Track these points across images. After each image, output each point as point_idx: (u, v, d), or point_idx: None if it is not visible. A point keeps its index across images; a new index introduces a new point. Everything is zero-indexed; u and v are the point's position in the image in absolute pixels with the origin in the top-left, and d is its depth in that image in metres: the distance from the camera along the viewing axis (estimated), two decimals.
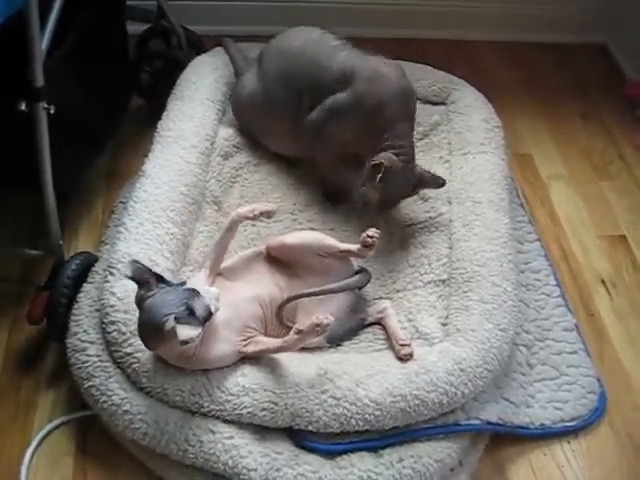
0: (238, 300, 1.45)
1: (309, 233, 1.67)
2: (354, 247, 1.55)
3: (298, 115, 1.84)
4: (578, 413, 1.63)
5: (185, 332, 1.23)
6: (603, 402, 1.67)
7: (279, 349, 1.42)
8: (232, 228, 1.50)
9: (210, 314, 1.31)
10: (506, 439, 1.58)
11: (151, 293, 1.31)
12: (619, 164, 2.33)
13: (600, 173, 2.29)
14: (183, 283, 1.36)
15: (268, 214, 1.52)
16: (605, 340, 1.82)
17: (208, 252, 1.52)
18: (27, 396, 1.60)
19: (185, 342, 1.24)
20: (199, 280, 1.44)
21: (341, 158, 1.85)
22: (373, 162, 1.63)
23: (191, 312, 1.27)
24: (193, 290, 1.32)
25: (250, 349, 1.42)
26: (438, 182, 1.75)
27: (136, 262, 1.35)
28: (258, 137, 1.98)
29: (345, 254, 1.57)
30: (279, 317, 1.51)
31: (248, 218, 1.51)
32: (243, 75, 2.01)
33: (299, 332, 1.36)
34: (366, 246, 1.52)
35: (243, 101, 1.97)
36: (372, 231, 1.51)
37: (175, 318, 1.25)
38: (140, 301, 1.32)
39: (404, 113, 1.72)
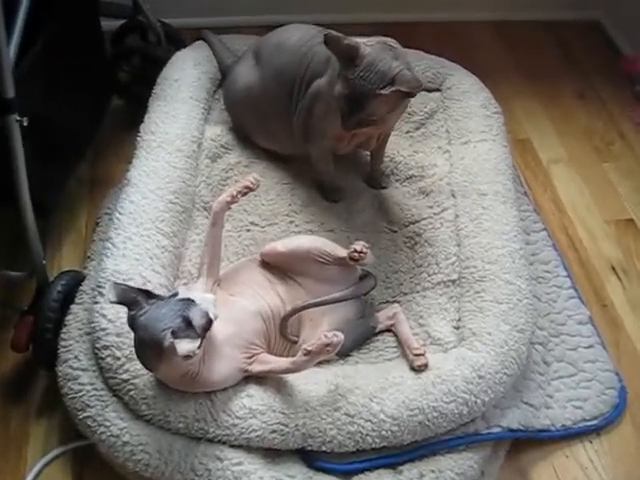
0: (240, 315, 1.36)
1: (305, 238, 1.55)
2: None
3: (292, 111, 1.74)
4: (599, 411, 1.57)
5: (184, 346, 1.14)
6: (623, 397, 1.61)
7: (287, 371, 1.33)
8: (216, 222, 1.40)
9: (210, 321, 1.21)
10: (527, 443, 1.52)
11: (143, 311, 1.22)
12: (621, 144, 2.25)
13: (602, 154, 2.22)
14: (175, 294, 1.25)
15: (250, 188, 1.40)
16: (621, 331, 1.76)
17: (201, 256, 1.41)
18: (18, 427, 1.50)
19: (187, 357, 1.15)
20: (194, 289, 1.33)
21: (335, 152, 1.75)
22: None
23: (188, 323, 1.17)
24: (187, 300, 1.22)
25: (256, 369, 1.33)
26: (414, 84, 1.48)
27: (117, 284, 1.25)
28: (251, 133, 1.87)
29: (345, 261, 1.46)
30: (283, 331, 1.42)
31: (230, 203, 1.40)
32: (235, 68, 1.89)
33: (308, 353, 1.27)
34: (354, 260, 1.42)
35: (237, 95, 1.86)
36: (360, 245, 1.42)
37: (172, 332, 1.15)
38: (133, 321, 1.22)
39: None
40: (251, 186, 1.40)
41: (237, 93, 1.85)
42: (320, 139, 1.71)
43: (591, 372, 1.62)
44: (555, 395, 1.56)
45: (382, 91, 1.46)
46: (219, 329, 1.27)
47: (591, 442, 1.55)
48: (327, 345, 1.25)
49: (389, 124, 1.69)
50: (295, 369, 1.31)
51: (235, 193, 1.39)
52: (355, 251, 1.41)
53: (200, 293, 1.26)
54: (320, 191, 1.80)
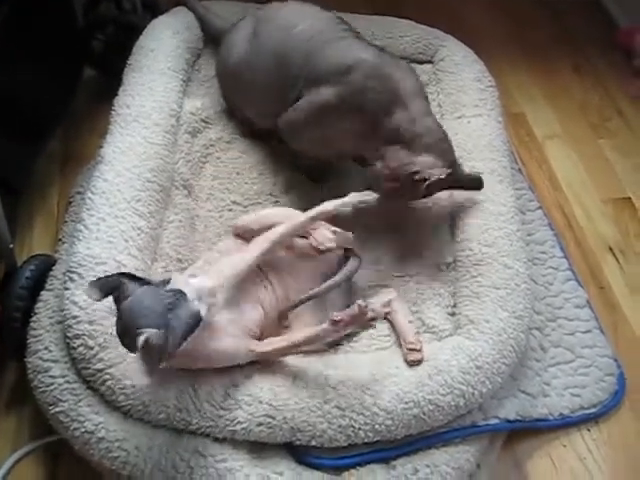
0: (241, 305, 1.27)
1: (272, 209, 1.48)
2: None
3: (288, 100, 1.61)
4: (597, 399, 1.51)
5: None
6: (622, 384, 1.55)
7: (306, 342, 1.22)
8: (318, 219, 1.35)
9: (198, 322, 1.11)
10: (523, 432, 1.46)
11: (127, 293, 1.10)
12: (617, 120, 2.17)
13: (598, 130, 2.14)
14: (167, 281, 1.14)
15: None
16: (618, 314, 1.70)
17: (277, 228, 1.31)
18: None
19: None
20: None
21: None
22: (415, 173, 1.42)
23: (169, 328, 1.07)
24: (178, 292, 1.11)
25: (265, 348, 1.24)
26: (475, 184, 1.50)
27: (95, 281, 1.12)
28: (238, 104, 1.76)
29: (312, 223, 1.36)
30: (282, 323, 1.33)
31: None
32: (230, 35, 1.75)
33: (335, 323, 1.16)
34: (319, 251, 1.35)
35: (229, 65, 1.73)
36: (322, 237, 1.35)
37: (146, 339, 1.04)
38: (116, 303, 1.12)
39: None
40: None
41: (230, 63, 1.73)
42: (319, 147, 1.60)
43: (589, 358, 1.56)
44: (552, 382, 1.50)
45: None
46: (221, 314, 1.20)
47: (589, 430, 1.50)
48: (360, 315, 1.15)
49: None
50: (316, 339, 1.21)
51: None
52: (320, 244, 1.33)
53: (195, 280, 1.15)
54: (305, 171, 1.70)
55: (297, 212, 1.41)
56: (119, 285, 1.11)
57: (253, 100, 1.72)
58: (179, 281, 1.14)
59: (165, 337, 1.06)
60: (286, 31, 1.61)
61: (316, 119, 1.54)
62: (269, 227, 1.33)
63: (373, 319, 1.18)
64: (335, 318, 1.16)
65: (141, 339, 1.04)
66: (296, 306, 1.32)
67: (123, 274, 1.14)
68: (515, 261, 1.45)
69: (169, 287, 1.12)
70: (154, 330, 1.05)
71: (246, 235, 1.38)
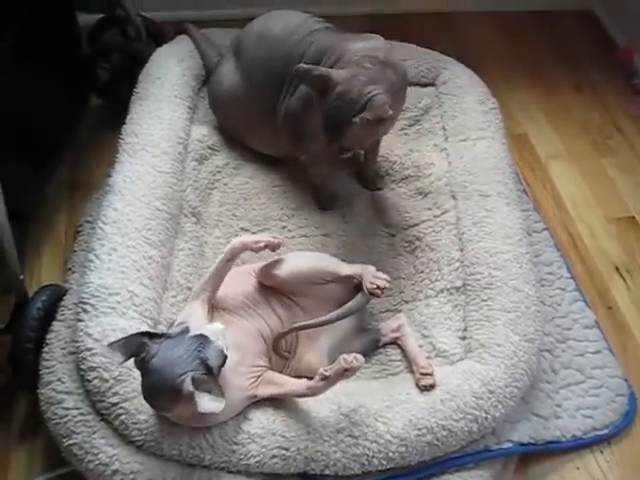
0: (242, 338, 1.27)
1: (306, 260, 1.43)
2: (357, 271, 1.37)
3: (280, 109, 1.65)
4: (609, 419, 1.51)
5: (208, 405, 1.07)
6: (633, 404, 1.55)
7: (301, 395, 1.25)
8: (232, 259, 1.31)
9: (225, 358, 1.15)
10: (536, 455, 1.45)
11: (153, 352, 1.13)
12: (618, 138, 2.19)
13: (600, 149, 2.15)
14: (186, 330, 1.17)
15: (273, 247, 1.34)
16: (627, 334, 1.70)
17: (203, 282, 1.31)
18: None
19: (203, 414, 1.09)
20: (199, 318, 1.24)
21: (327, 157, 1.65)
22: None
23: (206, 366, 1.11)
24: (201, 336, 1.15)
25: (265, 392, 1.26)
26: (382, 112, 1.39)
27: (114, 343, 1.14)
28: (239, 135, 1.78)
29: (348, 279, 1.38)
30: (276, 348, 1.34)
31: (251, 249, 1.32)
32: (218, 66, 1.79)
33: (325, 378, 1.19)
34: (373, 295, 1.34)
35: (221, 96, 1.76)
36: (382, 280, 1.33)
37: (192, 379, 1.08)
38: (143, 363, 1.13)
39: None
40: (276, 246, 1.34)
41: (222, 94, 1.75)
42: (311, 143, 1.62)
43: (600, 379, 1.56)
44: (564, 404, 1.50)
45: (354, 119, 1.39)
46: None
47: (602, 452, 1.49)
48: (346, 370, 1.18)
49: (377, 138, 1.63)
50: (310, 394, 1.23)
51: (262, 245, 1.32)
52: (377, 287, 1.32)
53: (210, 325, 1.19)
54: (314, 198, 1.72)
55: (323, 258, 1.45)
56: (142, 346, 1.13)
57: (249, 127, 1.74)
58: (197, 328, 1.17)
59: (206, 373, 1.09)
60: (264, 37, 1.66)
61: (308, 113, 1.56)
62: (297, 276, 1.36)
63: (359, 367, 1.19)
64: (325, 373, 1.19)
65: (187, 381, 1.07)
66: (286, 334, 1.33)
67: (141, 333, 1.16)
68: (524, 284, 1.46)
69: (189, 335, 1.15)
70: (196, 371, 1.09)
71: (274, 283, 1.37)
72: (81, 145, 1.92)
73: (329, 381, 1.19)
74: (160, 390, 1.12)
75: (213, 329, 1.16)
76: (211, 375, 1.11)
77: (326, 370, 1.19)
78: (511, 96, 2.25)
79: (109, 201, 1.50)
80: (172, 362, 1.10)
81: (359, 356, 1.19)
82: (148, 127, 1.66)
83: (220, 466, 1.24)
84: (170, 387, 1.09)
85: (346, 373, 1.18)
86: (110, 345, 1.13)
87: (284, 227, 1.66)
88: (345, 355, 1.18)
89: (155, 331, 1.19)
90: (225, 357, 1.14)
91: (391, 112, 1.39)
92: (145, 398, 1.15)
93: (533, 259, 1.63)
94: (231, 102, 1.73)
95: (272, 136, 1.69)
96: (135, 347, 1.12)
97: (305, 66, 1.44)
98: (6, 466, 1.39)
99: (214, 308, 1.30)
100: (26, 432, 1.43)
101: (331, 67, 1.48)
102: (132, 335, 1.15)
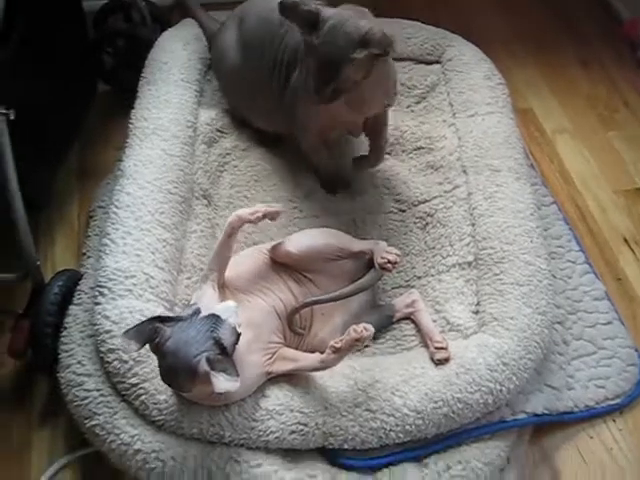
0: (256, 316, 1.29)
1: (318, 235, 1.44)
2: (369, 247, 1.38)
3: (275, 89, 1.65)
4: (621, 389, 1.53)
5: (223, 384, 1.08)
6: None
7: (314, 369, 1.27)
8: (232, 233, 1.31)
9: (238, 336, 1.16)
10: (550, 426, 1.47)
11: (167, 336, 1.14)
12: (625, 112, 2.18)
13: (606, 123, 2.15)
14: (197, 311, 1.18)
15: (272, 216, 1.33)
16: (637, 305, 1.71)
17: (210, 262, 1.32)
18: (20, 436, 1.43)
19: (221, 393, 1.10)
20: (210, 299, 1.26)
21: (324, 140, 1.66)
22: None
23: (220, 345, 1.12)
24: (213, 316, 1.16)
25: (280, 368, 1.27)
26: (386, 41, 1.34)
27: (127, 332, 1.14)
28: (243, 112, 1.78)
29: (360, 255, 1.39)
30: (290, 325, 1.35)
31: (249, 221, 1.32)
32: (218, 37, 1.78)
33: (337, 350, 1.20)
34: (384, 269, 1.34)
35: (224, 73, 1.76)
36: (393, 255, 1.33)
37: (207, 359, 1.09)
38: (158, 347, 1.15)
39: None
40: (275, 214, 1.33)
41: (224, 70, 1.76)
42: (306, 133, 1.63)
43: (611, 349, 1.57)
44: (576, 375, 1.52)
45: (354, 55, 1.33)
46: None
47: (614, 421, 1.51)
48: (357, 340, 1.19)
49: (373, 104, 1.55)
50: (324, 367, 1.24)
51: (260, 215, 1.31)
52: (388, 262, 1.32)
53: (221, 304, 1.20)
54: (320, 183, 1.71)
55: (335, 233, 1.45)
56: (156, 331, 1.14)
57: (249, 101, 1.73)
58: (208, 308, 1.18)
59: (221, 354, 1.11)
60: (264, 16, 1.63)
61: (299, 106, 1.55)
62: (310, 252, 1.37)
63: (369, 336, 1.21)
64: (336, 345, 1.20)
65: (202, 361, 1.09)
66: (299, 310, 1.34)
67: (153, 318, 1.17)
68: (536, 257, 1.47)
69: (201, 315, 1.16)
70: (210, 352, 1.10)
71: (287, 260, 1.38)
72: (89, 131, 1.92)
73: (341, 352, 1.21)
74: (177, 372, 1.13)
75: (224, 307, 1.17)
76: (225, 354, 1.12)
77: (337, 342, 1.20)
78: (516, 72, 2.24)
79: (121, 185, 1.51)
80: (186, 343, 1.12)
81: (368, 326, 1.20)
82: (157, 111, 1.66)
83: (240, 443, 1.26)
84: (186, 368, 1.11)
85: (357, 343, 1.19)
86: (124, 334, 1.14)
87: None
88: (355, 325, 1.19)
89: (167, 315, 1.20)
90: (238, 334, 1.15)
91: (393, 42, 1.33)
92: (164, 380, 1.17)
93: (543, 233, 1.65)
94: (230, 73, 1.73)
95: (268, 111, 1.69)
96: (148, 333, 1.14)
97: (291, 0, 1.36)
98: (29, 448, 1.41)
99: (227, 287, 1.31)
100: (47, 415, 1.45)
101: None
102: (144, 321, 1.16)
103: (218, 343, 1.12)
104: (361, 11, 1.42)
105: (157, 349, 1.14)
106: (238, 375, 1.11)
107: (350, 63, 1.35)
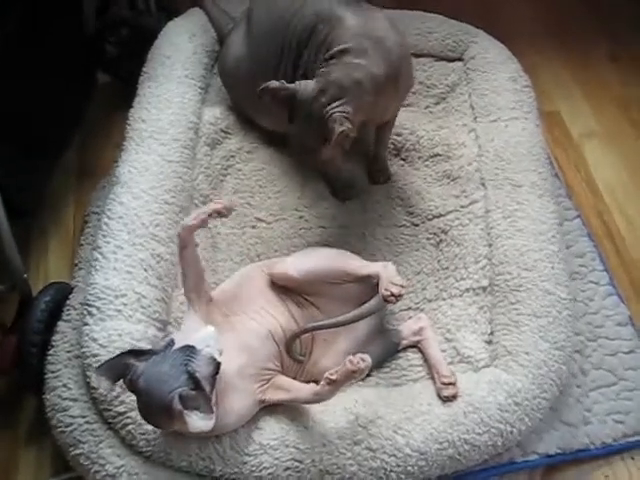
0: (249, 340, 1.21)
1: (321, 259, 1.34)
2: (376, 271, 1.26)
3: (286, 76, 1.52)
4: None
5: (197, 423, 1.02)
6: None
7: (308, 402, 1.18)
8: (185, 246, 1.21)
9: (218, 365, 1.07)
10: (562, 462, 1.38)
11: (139, 372, 1.06)
12: None
13: (639, 127, 2.01)
14: (171, 343, 1.10)
15: (221, 213, 1.21)
16: None
17: (184, 286, 1.23)
18: (5, 458, 1.37)
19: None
20: (192, 323, 1.18)
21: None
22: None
23: (195, 380, 1.04)
24: (187, 348, 1.07)
25: (274, 397, 1.19)
26: (340, 138, 1.28)
27: (98, 369, 1.08)
28: (247, 111, 1.68)
29: (366, 279, 1.29)
30: (289, 351, 1.27)
31: (197, 227, 1.20)
32: (228, 36, 1.69)
33: (332, 382, 1.11)
34: (388, 302, 1.23)
35: (227, 68, 1.66)
36: (397, 288, 1.21)
37: (180, 397, 1.02)
38: (131, 384, 1.07)
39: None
40: (223, 212, 1.21)
41: (228, 65, 1.65)
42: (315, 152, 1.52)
43: (633, 380, 1.47)
44: (594, 408, 1.42)
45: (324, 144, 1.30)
46: (229, 360, 1.13)
47: (633, 459, 1.41)
48: (353, 372, 1.10)
49: (385, 116, 1.51)
50: (318, 400, 1.16)
51: (205, 217, 1.20)
52: (392, 295, 1.21)
53: (197, 331, 1.11)
54: (329, 190, 1.61)
55: (341, 257, 1.36)
56: (128, 367, 1.07)
57: (255, 100, 1.63)
58: (181, 339, 1.10)
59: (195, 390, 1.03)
60: (270, 9, 1.55)
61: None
62: (312, 275, 1.29)
63: (367, 368, 1.12)
64: (331, 377, 1.12)
65: (175, 399, 1.02)
66: (298, 336, 1.25)
67: (125, 353, 1.10)
68: (556, 286, 1.37)
69: (175, 348, 1.08)
70: (184, 387, 1.03)
71: (288, 283, 1.30)
72: (89, 125, 1.84)
73: (336, 384, 1.12)
74: (153, 410, 1.06)
75: (201, 336, 1.09)
76: (200, 389, 1.04)
77: (332, 374, 1.11)
78: (542, 69, 2.12)
79: (115, 194, 1.42)
80: (159, 380, 1.04)
81: (365, 356, 1.11)
82: (157, 112, 1.57)
83: (231, 477, 1.19)
84: (161, 406, 1.03)
85: (354, 375, 1.11)
86: (96, 371, 1.08)
87: (301, 217, 1.57)
88: (351, 356, 1.11)
89: (140, 348, 1.13)
90: (217, 364, 1.06)
91: (350, 126, 1.27)
92: (142, 418, 1.10)
93: (565, 254, 1.54)
94: (235, 74, 1.63)
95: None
96: (121, 369, 1.07)
97: (272, 85, 1.32)
98: (15, 469, 1.36)
99: (220, 308, 1.24)
100: (34, 434, 1.39)
101: (325, 37, 1.38)
102: (116, 357, 1.09)
103: (192, 377, 1.03)
104: (375, 29, 1.37)
105: (130, 386, 1.07)
106: (213, 412, 1.03)
107: (324, 148, 1.31)
